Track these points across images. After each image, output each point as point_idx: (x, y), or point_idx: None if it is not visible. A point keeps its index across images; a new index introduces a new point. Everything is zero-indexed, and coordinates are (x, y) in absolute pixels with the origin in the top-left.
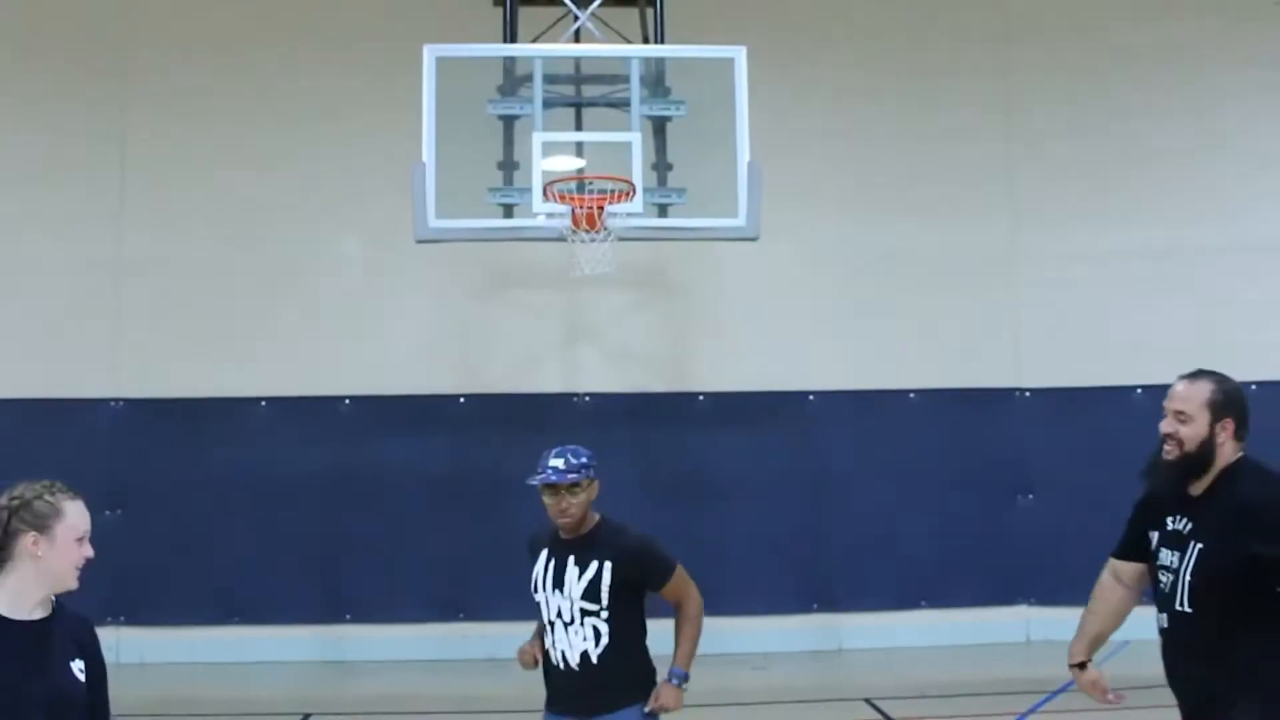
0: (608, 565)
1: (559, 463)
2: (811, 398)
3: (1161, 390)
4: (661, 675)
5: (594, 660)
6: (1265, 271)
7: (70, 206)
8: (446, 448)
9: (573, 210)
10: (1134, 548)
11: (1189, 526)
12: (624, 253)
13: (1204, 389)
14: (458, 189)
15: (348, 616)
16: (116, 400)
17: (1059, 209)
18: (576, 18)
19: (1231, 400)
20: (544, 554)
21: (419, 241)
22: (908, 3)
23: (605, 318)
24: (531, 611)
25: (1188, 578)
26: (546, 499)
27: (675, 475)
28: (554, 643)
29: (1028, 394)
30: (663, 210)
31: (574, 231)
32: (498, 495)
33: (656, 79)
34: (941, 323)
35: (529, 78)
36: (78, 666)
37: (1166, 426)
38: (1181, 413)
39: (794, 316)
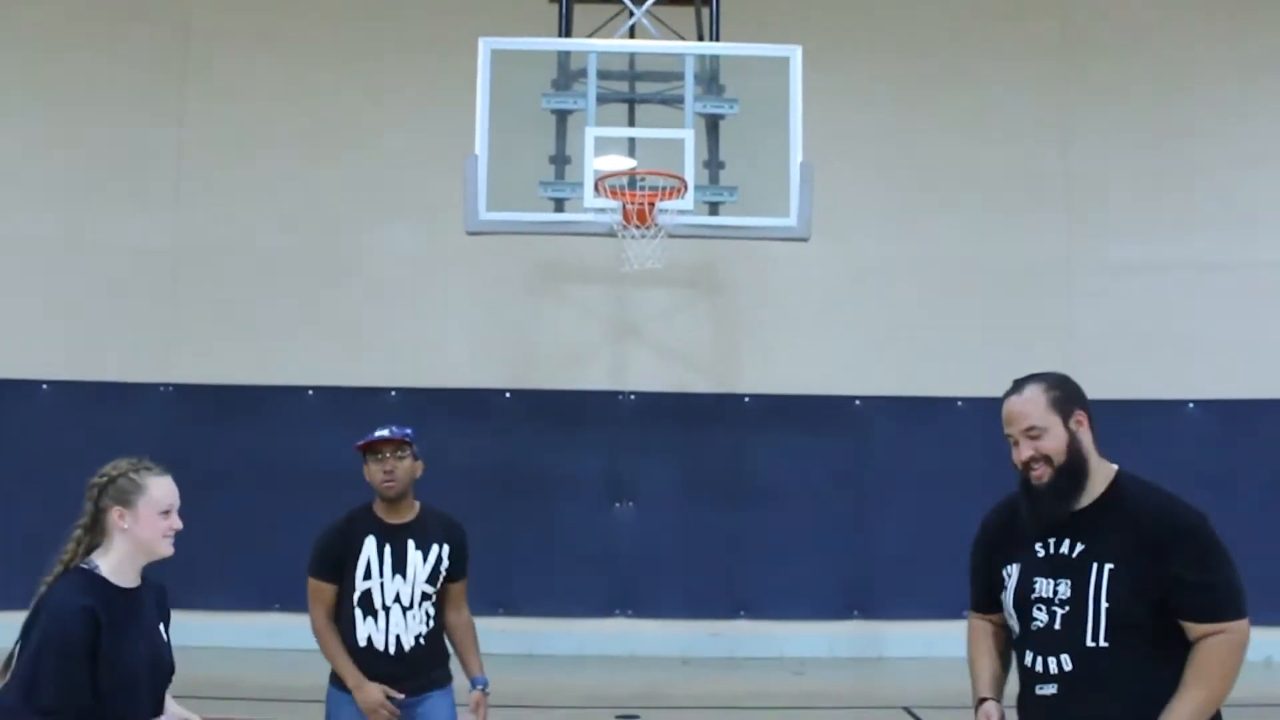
0: (445, 549)
1: (385, 431)
2: (858, 402)
3: (1214, 405)
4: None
5: (423, 643)
6: None
7: (128, 194)
8: (491, 441)
9: (624, 206)
10: (992, 596)
11: (1079, 549)
12: (673, 251)
13: (1039, 394)
14: (510, 182)
15: None
16: (167, 385)
17: (1113, 219)
18: (632, 14)
19: (1070, 391)
20: (371, 540)
21: (470, 233)
22: (965, 10)
23: (653, 315)
24: (569, 608)
25: (1105, 604)
26: (372, 466)
27: (719, 476)
28: (385, 627)
29: None
30: (714, 208)
31: (624, 227)
32: (541, 489)
33: (711, 77)
34: (992, 331)
35: (583, 73)
36: (163, 629)
37: (1024, 453)
38: (1032, 429)
39: (842, 320)
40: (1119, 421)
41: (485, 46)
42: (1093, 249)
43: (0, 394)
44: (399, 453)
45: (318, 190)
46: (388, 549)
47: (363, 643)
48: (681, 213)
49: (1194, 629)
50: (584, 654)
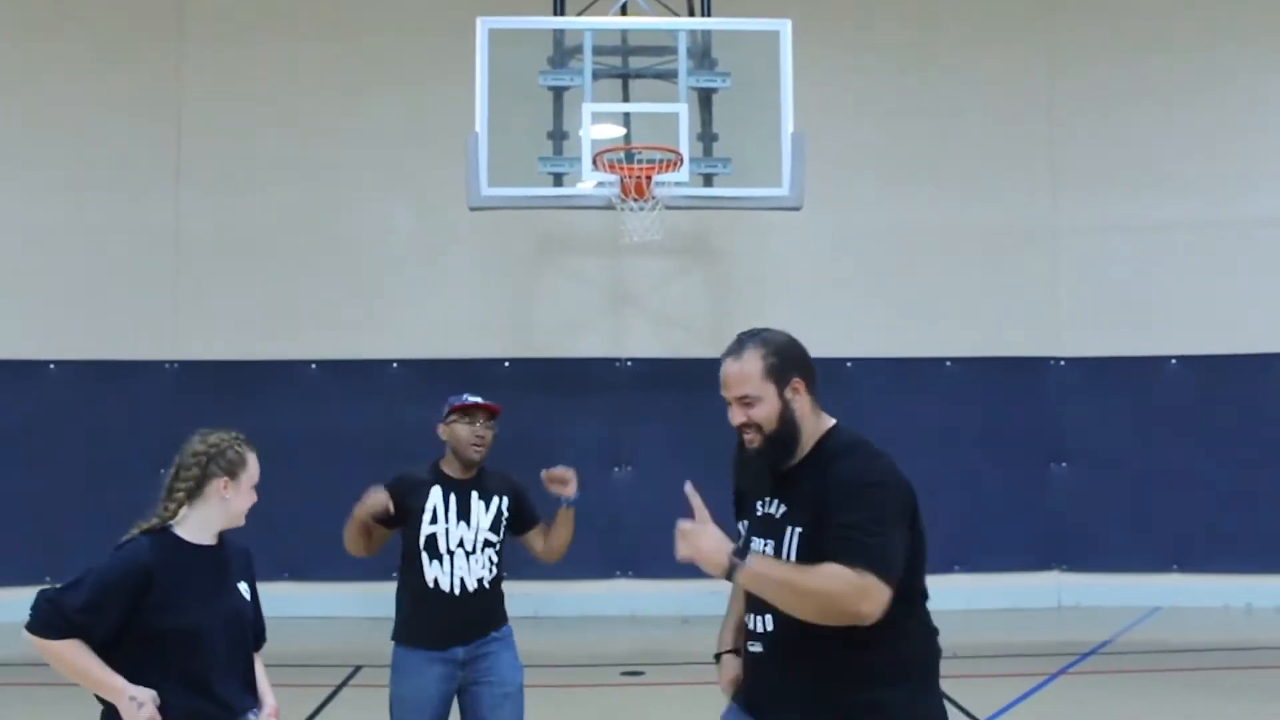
0: (505, 500)
1: (480, 399)
2: (849, 364)
3: (1198, 361)
4: None
5: (486, 586)
6: None
7: (129, 173)
8: None
9: (621, 179)
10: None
11: (782, 509)
12: (668, 220)
13: (755, 360)
14: (509, 158)
15: (394, 574)
16: (172, 362)
17: (1099, 180)
18: None
19: (788, 357)
20: (437, 489)
21: (472, 209)
22: None
23: (649, 284)
24: (572, 571)
25: None
26: (462, 428)
27: (716, 439)
28: (450, 570)
29: (1063, 363)
30: (708, 180)
31: (622, 200)
32: (542, 457)
33: (703, 51)
34: (980, 291)
35: (578, 49)
36: (243, 587)
37: (736, 418)
38: (745, 397)
39: (833, 284)
40: (1104, 377)
41: (483, 26)
42: (1077, 210)
43: (9, 374)
44: (490, 421)
45: (317, 166)
46: (453, 498)
47: (430, 584)
48: (677, 185)
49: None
50: (587, 615)
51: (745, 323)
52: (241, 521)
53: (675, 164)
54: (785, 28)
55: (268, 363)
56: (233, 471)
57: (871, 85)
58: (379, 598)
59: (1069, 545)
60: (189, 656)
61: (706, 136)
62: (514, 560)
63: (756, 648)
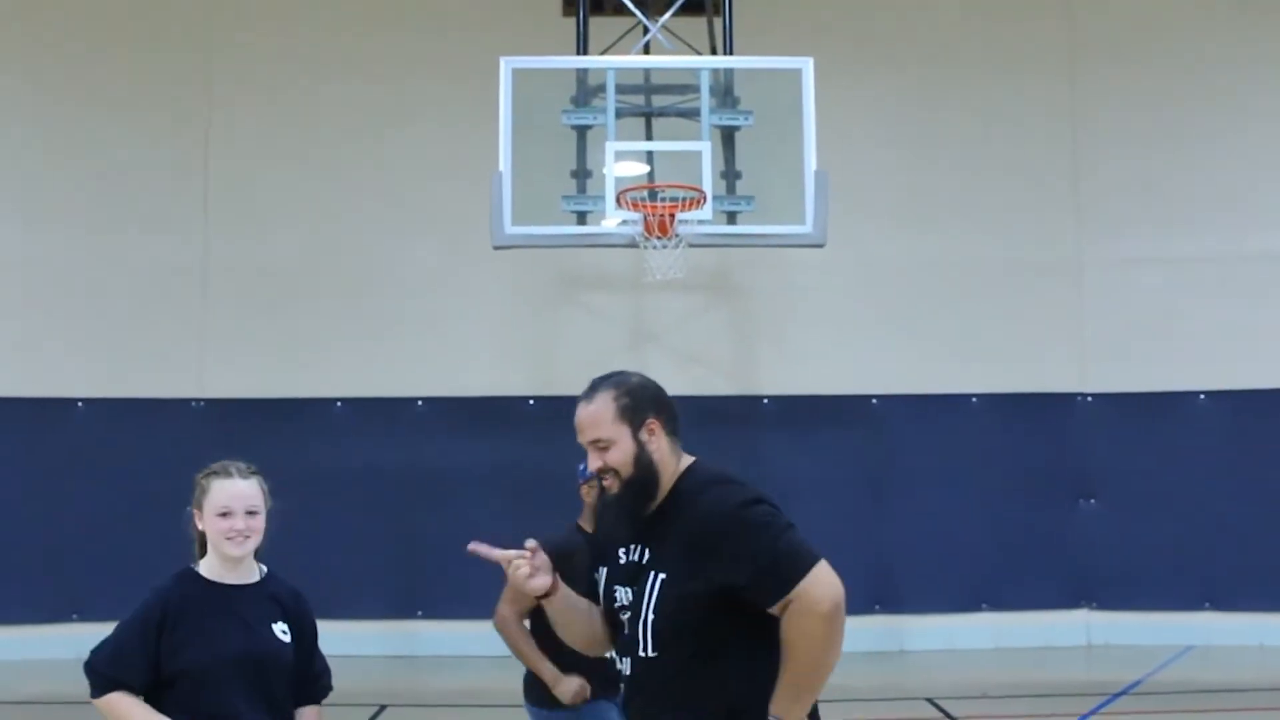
0: None
1: None
2: (875, 401)
3: (1227, 396)
4: None
5: None
6: None
7: (157, 211)
8: (516, 448)
9: (645, 217)
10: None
11: (646, 555)
12: (690, 257)
13: (606, 402)
14: (533, 196)
15: (420, 613)
16: (199, 400)
17: (1123, 214)
18: (647, 29)
19: (641, 398)
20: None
21: (496, 248)
22: (972, 13)
23: (672, 321)
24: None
25: (650, 616)
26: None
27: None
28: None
29: (1090, 399)
30: (731, 217)
31: (646, 238)
32: (565, 494)
33: (725, 89)
34: (1004, 327)
35: (601, 87)
36: (280, 628)
37: (593, 464)
38: (598, 440)
39: (858, 321)
40: (1131, 413)
41: (506, 66)
42: (1102, 245)
43: (38, 412)
44: None
45: (343, 205)
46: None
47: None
48: (701, 223)
49: (772, 612)
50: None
51: (767, 359)
52: (234, 552)
53: (699, 202)
54: (807, 66)
55: (294, 400)
56: (198, 503)
57: (895, 120)
58: (403, 636)
59: (1098, 583)
60: (205, 698)
61: (729, 174)
62: None
63: (624, 689)
